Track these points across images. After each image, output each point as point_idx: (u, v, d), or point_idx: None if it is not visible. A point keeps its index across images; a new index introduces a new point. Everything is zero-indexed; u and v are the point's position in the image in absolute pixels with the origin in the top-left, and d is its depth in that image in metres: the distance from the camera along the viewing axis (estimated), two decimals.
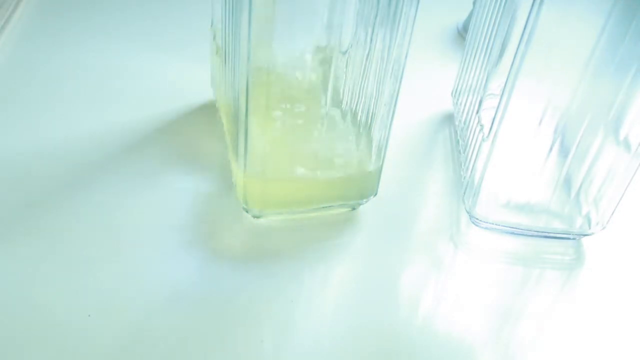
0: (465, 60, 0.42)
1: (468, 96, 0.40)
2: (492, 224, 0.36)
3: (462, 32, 0.53)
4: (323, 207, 0.36)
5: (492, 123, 0.33)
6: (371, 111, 0.34)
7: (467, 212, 0.37)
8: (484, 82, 0.37)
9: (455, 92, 0.44)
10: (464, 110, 0.41)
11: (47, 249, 0.33)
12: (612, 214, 0.35)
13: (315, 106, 0.35)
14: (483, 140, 0.35)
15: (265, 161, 0.33)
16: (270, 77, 0.32)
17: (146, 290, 0.32)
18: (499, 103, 0.33)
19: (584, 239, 0.37)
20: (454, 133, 0.43)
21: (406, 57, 0.32)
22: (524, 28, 0.30)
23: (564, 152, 0.34)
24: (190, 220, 0.36)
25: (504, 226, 0.36)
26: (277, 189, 0.34)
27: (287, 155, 0.34)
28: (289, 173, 0.34)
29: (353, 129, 0.35)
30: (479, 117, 0.37)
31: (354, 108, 0.35)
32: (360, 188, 0.36)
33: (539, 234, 0.36)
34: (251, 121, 0.32)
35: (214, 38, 0.40)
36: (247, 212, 0.35)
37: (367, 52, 0.33)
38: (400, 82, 0.33)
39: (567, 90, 0.32)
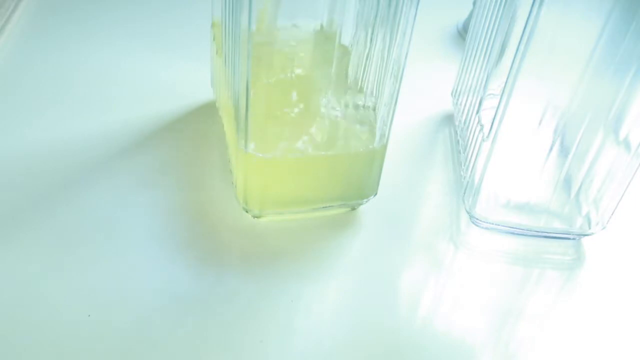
0: (465, 60, 0.42)
1: (468, 96, 0.40)
2: (492, 224, 0.36)
3: (462, 32, 0.53)
4: (323, 207, 0.36)
5: (492, 123, 0.33)
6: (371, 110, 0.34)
7: (467, 212, 0.37)
8: (484, 82, 0.37)
9: (455, 92, 0.44)
10: (464, 110, 0.41)
11: (46, 249, 0.33)
12: (612, 214, 0.35)
13: (316, 103, 0.35)
14: (483, 140, 0.35)
15: (265, 142, 0.33)
16: (271, 72, 0.32)
17: (146, 290, 0.32)
18: (499, 103, 0.33)
19: (584, 239, 0.37)
20: (454, 133, 0.43)
21: (406, 57, 0.32)
22: (524, 28, 0.30)
23: (564, 152, 0.34)
24: (190, 220, 0.36)
25: (504, 226, 0.36)
26: (277, 179, 0.34)
27: (287, 138, 0.34)
28: (290, 155, 0.34)
29: (354, 126, 0.35)
30: (479, 117, 0.37)
31: (355, 106, 0.35)
32: (360, 188, 0.36)
33: (539, 234, 0.36)
34: (252, 111, 0.32)
35: (214, 38, 0.40)
36: (247, 212, 0.35)
37: (367, 52, 0.33)
38: (400, 82, 0.33)
39: (567, 90, 0.32)
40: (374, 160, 0.35)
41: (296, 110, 0.34)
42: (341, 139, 0.34)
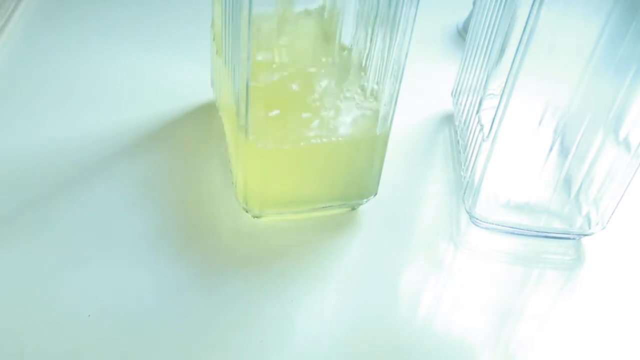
0: (465, 60, 0.42)
1: (468, 96, 0.40)
2: (492, 224, 0.36)
3: (462, 32, 0.53)
4: (323, 207, 0.36)
5: (492, 123, 0.33)
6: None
7: (467, 212, 0.37)
8: (484, 82, 0.37)
9: (455, 92, 0.44)
10: (464, 110, 0.41)
11: (46, 249, 0.33)
12: (612, 214, 0.35)
13: (317, 93, 0.35)
14: (483, 140, 0.35)
15: (266, 133, 0.33)
16: (271, 66, 0.32)
17: (145, 290, 0.32)
18: (499, 103, 0.33)
19: (584, 239, 0.37)
20: (454, 133, 0.43)
21: (406, 57, 0.32)
22: (524, 28, 0.30)
23: (564, 152, 0.34)
24: (190, 220, 0.36)
25: (504, 226, 0.36)
26: (278, 172, 0.34)
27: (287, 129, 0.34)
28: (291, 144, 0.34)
29: (356, 114, 0.35)
30: (479, 117, 0.37)
31: (359, 91, 0.35)
32: (360, 188, 0.36)
33: (539, 234, 0.36)
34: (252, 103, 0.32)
35: (214, 38, 0.40)
36: (247, 212, 0.35)
37: (367, 52, 0.33)
38: (400, 82, 0.33)
39: (567, 90, 0.32)
40: (375, 152, 0.35)
41: (297, 101, 0.34)
42: (342, 127, 0.34)
